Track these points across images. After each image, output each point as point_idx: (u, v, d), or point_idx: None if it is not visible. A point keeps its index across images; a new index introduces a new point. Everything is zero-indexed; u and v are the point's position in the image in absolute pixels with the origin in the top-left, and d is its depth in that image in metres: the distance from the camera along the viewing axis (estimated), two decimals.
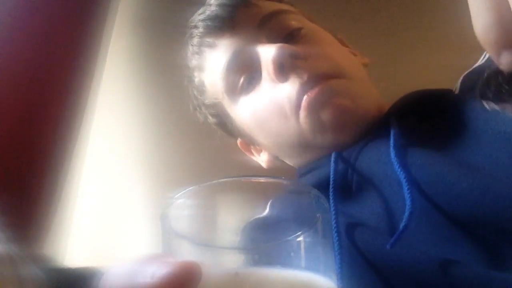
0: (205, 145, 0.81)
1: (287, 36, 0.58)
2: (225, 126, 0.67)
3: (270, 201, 0.37)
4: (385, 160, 0.47)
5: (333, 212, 0.46)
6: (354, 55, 0.65)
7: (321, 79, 0.53)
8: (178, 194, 0.26)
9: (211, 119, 0.68)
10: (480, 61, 0.54)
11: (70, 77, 0.70)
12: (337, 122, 0.53)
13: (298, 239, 0.25)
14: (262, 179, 0.27)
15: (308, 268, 0.25)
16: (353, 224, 0.46)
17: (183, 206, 0.27)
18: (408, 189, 0.42)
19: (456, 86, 0.55)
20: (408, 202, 0.42)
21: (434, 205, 0.42)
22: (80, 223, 0.78)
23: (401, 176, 0.43)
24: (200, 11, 0.63)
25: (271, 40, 0.57)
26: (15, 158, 0.60)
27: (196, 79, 0.65)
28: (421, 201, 0.43)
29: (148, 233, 0.71)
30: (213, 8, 0.60)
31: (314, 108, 0.53)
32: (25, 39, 0.65)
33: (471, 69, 0.54)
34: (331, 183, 0.49)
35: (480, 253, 0.40)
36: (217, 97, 0.62)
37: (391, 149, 0.46)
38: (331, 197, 0.48)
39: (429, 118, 0.52)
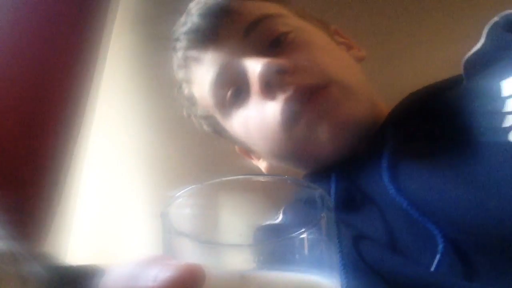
0: (206, 144, 0.80)
1: (274, 41, 0.55)
2: (221, 134, 0.66)
3: (283, 208, 0.37)
4: (379, 181, 0.46)
5: (337, 236, 0.45)
6: (350, 47, 0.63)
7: (309, 92, 0.51)
8: (179, 193, 0.26)
9: (206, 128, 0.67)
10: (481, 44, 0.50)
11: (70, 76, 0.70)
12: (335, 136, 0.52)
13: (302, 236, 0.25)
14: (264, 178, 0.27)
15: (312, 267, 0.25)
16: (357, 236, 0.45)
17: (184, 204, 0.27)
18: (437, 228, 0.40)
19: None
20: (439, 240, 0.40)
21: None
22: (81, 221, 0.78)
23: (401, 201, 0.43)
24: (182, 20, 0.61)
25: (257, 48, 0.55)
26: (15, 157, 0.60)
27: (186, 91, 0.64)
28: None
29: (149, 231, 0.71)
30: (194, 19, 0.58)
31: (312, 124, 0.52)
32: (25, 39, 0.65)
33: (471, 52, 0.51)
34: (332, 203, 0.47)
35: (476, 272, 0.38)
36: (209, 110, 0.62)
37: (384, 172, 0.46)
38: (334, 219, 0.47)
39: (430, 122, 0.50)
